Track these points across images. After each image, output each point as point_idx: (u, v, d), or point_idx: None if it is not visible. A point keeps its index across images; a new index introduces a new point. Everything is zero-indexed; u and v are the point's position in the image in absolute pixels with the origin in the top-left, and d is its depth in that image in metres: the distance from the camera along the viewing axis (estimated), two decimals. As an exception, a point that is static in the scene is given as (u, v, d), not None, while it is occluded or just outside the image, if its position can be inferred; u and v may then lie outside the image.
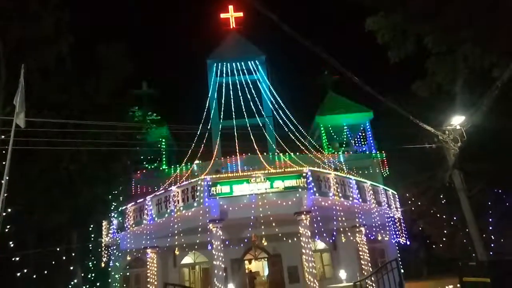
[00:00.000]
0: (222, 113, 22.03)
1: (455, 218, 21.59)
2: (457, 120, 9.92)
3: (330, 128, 23.13)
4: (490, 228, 20.33)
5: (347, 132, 22.98)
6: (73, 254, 17.08)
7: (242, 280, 20.00)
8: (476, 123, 10.34)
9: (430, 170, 20.51)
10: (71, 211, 16.13)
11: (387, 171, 21.76)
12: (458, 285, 10.04)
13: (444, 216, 23.20)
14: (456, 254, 21.81)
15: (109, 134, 14.94)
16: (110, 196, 18.66)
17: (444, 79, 9.94)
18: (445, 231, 23.60)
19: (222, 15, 27.51)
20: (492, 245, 19.06)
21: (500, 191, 21.40)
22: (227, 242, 15.63)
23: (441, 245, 24.35)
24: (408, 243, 19.59)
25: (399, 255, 19.31)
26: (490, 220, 20.45)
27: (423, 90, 10.66)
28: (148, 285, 16.90)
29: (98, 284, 17.97)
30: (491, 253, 18.20)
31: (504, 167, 19.27)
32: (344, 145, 22.70)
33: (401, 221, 19.44)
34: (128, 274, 19.49)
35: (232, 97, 22.62)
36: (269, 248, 19.95)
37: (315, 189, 14.23)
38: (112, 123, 14.37)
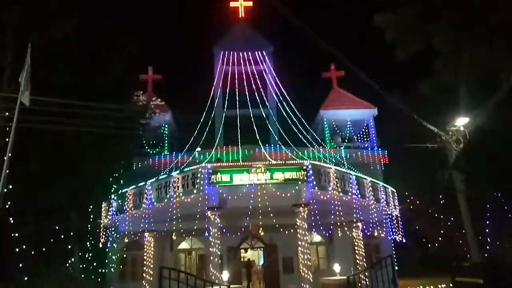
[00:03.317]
0: (226, 102, 22.00)
1: (452, 219, 21.65)
2: (461, 121, 9.89)
3: (334, 123, 23.10)
4: (487, 230, 20.38)
5: (351, 128, 22.94)
6: (72, 234, 17.27)
7: (237, 268, 20.23)
8: (479, 125, 10.31)
9: (431, 170, 20.51)
10: (71, 191, 16.27)
11: (388, 168, 21.77)
12: (451, 285, 10.11)
13: (441, 217, 23.25)
14: (451, 254, 21.92)
15: (112, 117, 14.94)
16: (111, 179, 18.79)
17: (450, 80, 9.89)
18: (441, 231, 23.69)
19: (232, 4, 27.33)
20: (488, 247, 19.12)
21: (499, 194, 21.39)
22: (224, 230, 15.78)
23: (436, 245, 24.47)
24: (404, 241, 19.70)
25: (394, 252, 19.45)
26: (488, 222, 20.49)
27: (428, 89, 10.60)
28: (144, 268, 17.12)
29: (95, 264, 18.20)
30: (486, 255, 18.28)
31: (505, 170, 19.26)
32: (346, 141, 22.68)
33: (399, 219, 19.52)
34: (125, 255, 19.73)
35: (237, 86, 22.60)
36: (266, 238, 20.12)
37: (314, 182, 14.30)
38: (116, 106, 14.38)
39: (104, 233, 18.91)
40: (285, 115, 20.95)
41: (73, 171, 16.13)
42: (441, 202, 22.27)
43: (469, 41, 9.11)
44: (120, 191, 17.44)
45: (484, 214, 20.51)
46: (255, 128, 19.33)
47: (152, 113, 19.94)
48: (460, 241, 21.26)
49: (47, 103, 11.66)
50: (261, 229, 18.27)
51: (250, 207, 14.25)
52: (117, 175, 18.96)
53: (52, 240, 16.16)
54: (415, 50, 10.37)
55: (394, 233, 19.01)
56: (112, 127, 15.13)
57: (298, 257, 14.83)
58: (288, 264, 19.62)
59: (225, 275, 8.80)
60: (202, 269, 19.10)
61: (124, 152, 19.04)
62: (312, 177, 14.30)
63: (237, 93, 22.12)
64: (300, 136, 19.70)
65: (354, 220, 17.35)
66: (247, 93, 22.03)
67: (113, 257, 19.03)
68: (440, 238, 24.07)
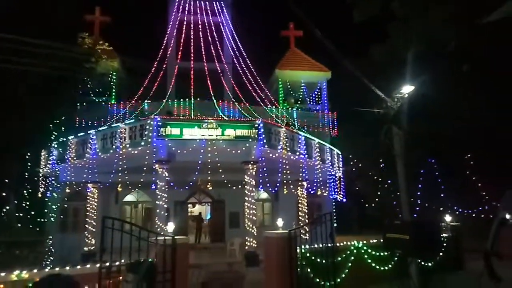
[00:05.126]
0: (180, 52, 21.04)
1: (389, 181, 23.26)
2: (407, 89, 10.33)
3: (288, 83, 23.18)
4: (418, 193, 22.22)
5: (304, 89, 23.19)
6: (6, 180, 16.26)
7: (184, 221, 20.48)
8: (422, 93, 10.87)
9: (375, 135, 21.57)
10: (7, 135, 15.08)
11: (336, 131, 22.56)
12: (381, 240, 10.97)
13: (380, 179, 24.90)
14: (385, 214, 23.77)
15: (55, 57, 13.67)
16: (51, 125, 17.64)
17: (401, 46, 10.17)
18: (378, 193, 25.46)
19: None
20: (417, 208, 20.93)
21: (433, 160, 23.24)
22: (172, 184, 15.69)
23: (373, 205, 26.34)
24: (344, 200, 20.95)
25: (334, 210, 20.68)
26: (420, 186, 22.31)
27: (380, 54, 10.84)
28: (87, 219, 16.74)
29: (33, 213, 17.45)
30: (414, 215, 20.06)
31: (440, 138, 20.86)
32: (299, 102, 22.97)
33: (341, 179, 20.61)
34: (66, 206, 19.13)
35: (192, 37, 21.61)
36: (214, 194, 20.41)
37: (265, 140, 14.47)
38: (57, 45, 13.13)
39: (44, 182, 18.04)
40: (240, 71, 20.56)
41: (9, 113, 14.86)
42: (381, 166, 23.73)
43: (423, 8, 9.32)
44: (62, 139, 16.48)
45: (418, 178, 22.28)
46: (209, 82, 18.82)
47: (98, 57, 18.58)
48: (395, 202, 23.06)
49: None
50: (209, 184, 18.44)
51: (200, 162, 14.20)
52: (58, 121, 17.81)
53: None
54: (371, 12, 10.43)
55: (336, 193, 20.10)
56: (54, 68, 13.92)
57: (244, 212, 15.25)
58: (234, 219, 20.21)
59: (170, 227, 8.82)
60: (148, 222, 19.10)
61: (67, 98, 17.80)
62: (263, 136, 14.44)
63: (192, 44, 21.17)
64: (254, 94, 19.58)
65: (300, 179, 18.05)
66: (202, 45, 21.16)
67: (53, 207, 18.35)
68: (377, 199, 25.91)
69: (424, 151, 21.11)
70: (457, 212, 22.36)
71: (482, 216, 22.79)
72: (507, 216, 3.55)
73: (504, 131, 18.48)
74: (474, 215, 23.55)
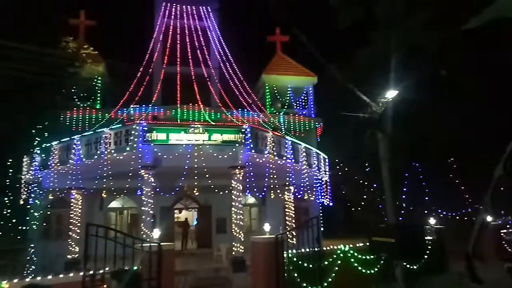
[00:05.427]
0: (166, 57, 20.94)
1: (375, 185, 23.53)
2: (391, 94, 10.51)
3: (275, 88, 23.29)
4: (404, 197, 22.54)
5: (290, 94, 23.34)
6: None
7: (171, 227, 20.27)
8: (405, 98, 11.08)
9: (361, 139, 21.85)
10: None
11: (322, 136, 22.74)
12: (367, 244, 11.06)
13: (366, 183, 25.18)
14: (370, 217, 24.01)
15: (37, 61, 13.41)
16: (34, 131, 17.27)
17: (385, 51, 10.35)
18: (364, 197, 25.73)
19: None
20: (402, 211, 21.22)
21: (417, 164, 23.63)
22: (158, 190, 15.53)
23: (359, 209, 26.60)
24: (331, 204, 21.09)
25: (321, 214, 20.78)
26: (404, 189, 22.64)
27: (364, 59, 11.01)
28: (71, 226, 16.41)
29: (14, 221, 17.00)
30: (400, 219, 20.33)
31: (423, 143, 21.24)
32: (286, 107, 23.10)
33: (328, 183, 20.74)
34: (49, 213, 18.73)
35: (178, 42, 21.55)
36: (201, 199, 20.29)
37: (252, 145, 14.47)
38: (35, 49, 12.87)
39: (26, 189, 17.62)
40: (227, 76, 20.57)
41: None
42: (367, 169, 24.01)
43: (405, 13, 9.53)
44: (45, 144, 16.16)
45: (402, 182, 22.61)
46: (195, 87, 18.77)
47: (82, 62, 18.33)
48: (380, 206, 23.33)
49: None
50: (196, 189, 18.33)
51: (186, 167, 14.10)
52: (41, 127, 17.45)
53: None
54: (356, 18, 10.59)
55: (323, 197, 20.22)
56: (37, 73, 13.66)
57: (231, 218, 15.19)
58: (221, 224, 20.11)
59: (156, 233, 8.73)
60: (133, 229, 18.84)
61: (49, 103, 17.46)
62: (250, 140, 14.43)
63: (178, 49, 21.10)
64: (241, 99, 19.61)
65: (287, 183, 18.09)
66: (189, 50, 21.12)
67: (36, 214, 17.92)
68: (363, 203, 26.16)
69: (409, 155, 21.46)
70: (441, 215, 22.76)
71: (466, 218, 23.24)
72: (488, 219, 3.63)
73: (483, 135, 18.96)
74: (457, 217, 24.01)
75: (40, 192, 17.28)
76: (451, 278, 12.91)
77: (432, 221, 16.22)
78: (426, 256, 12.78)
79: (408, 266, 12.10)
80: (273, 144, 15.45)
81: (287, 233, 11.43)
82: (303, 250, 9.79)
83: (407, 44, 10.12)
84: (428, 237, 14.82)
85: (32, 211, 17.92)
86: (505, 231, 20.64)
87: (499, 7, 1.99)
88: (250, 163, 14.98)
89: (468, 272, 3.16)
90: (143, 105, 18.81)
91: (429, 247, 13.88)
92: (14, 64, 12.37)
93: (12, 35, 13.60)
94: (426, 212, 22.01)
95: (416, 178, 23.46)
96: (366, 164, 23.74)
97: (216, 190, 17.71)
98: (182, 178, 15.78)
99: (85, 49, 19.47)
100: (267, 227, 11.07)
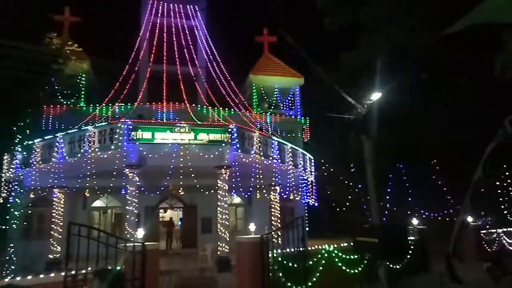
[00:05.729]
0: (152, 55, 20.73)
1: (360, 186, 23.80)
2: (376, 96, 10.65)
3: (262, 89, 23.32)
4: (388, 197, 22.86)
5: (277, 95, 23.41)
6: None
7: (155, 227, 20.09)
8: (390, 100, 11.25)
9: (346, 140, 22.07)
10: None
11: (308, 136, 22.86)
12: (352, 244, 11.16)
13: (351, 184, 25.44)
14: (355, 218, 24.27)
15: (18, 58, 13.11)
16: (15, 128, 16.88)
17: (370, 54, 10.49)
18: (349, 197, 25.99)
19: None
20: (386, 212, 21.50)
21: (401, 166, 24.00)
22: (142, 189, 15.36)
23: (344, 209, 26.85)
24: (316, 204, 21.23)
25: (306, 214, 20.91)
26: (389, 190, 22.96)
27: (350, 61, 11.13)
28: (53, 225, 16.10)
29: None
30: (384, 219, 20.62)
31: (407, 145, 21.58)
32: (272, 107, 23.16)
33: (313, 184, 20.87)
34: (30, 212, 18.32)
35: (165, 40, 21.37)
36: (186, 199, 20.17)
37: (238, 145, 14.43)
38: (24, 45, 12.63)
39: (6, 187, 17.21)
40: (214, 75, 20.50)
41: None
42: (352, 170, 24.26)
43: (390, 16, 9.68)
44: (26, 142, 15.80)
45: (386, 183, 22.93)
46: (182, 86, 18.63)
47: (66, 58, 17.98)
48: (365, 206, 23.61)
49: None
50: (181, 189, 18.20)
51: (172, 166, 13.98)
52: (22, 124, 17.07)
53: None
54: (342, 20, 10.70)
55: (308, 197, 20.34)
56: (19, 69, 13.36)
57: (216, 217, 15.14)
58: (207, 224, 20.03)
59: (140, 233, 8.64)
60: (117, 228, 18.59)
61: (32, 100, 17.10)
62: (236, 140, 14.40)
63: (165, 47, 20.92)
64: (228, 99, 19.57)
65: (273, 183, 18.13)
66: (175, 48, 20.96)
67: (16, 213, 17.52)
68: (347, 204, 26.41)
69: (393, 157, 21.77)
70: (424, 216, 23.16)
71: (447, 219, 23.70)
72: (468, 219, 3.71)
73: (466, 137, 19.36)
74: (440, 218, 24.47)
75: (21, 190, 16.91)
76: (432, 278, 13.16)
77: (415, 221, 16.50)
78: (409, 256, 13.00)
79: (391, 266, 12.28)
80: (260, 144, 15.45)
81: (273, 233, 11.45)
82: (288, 250, 9.83)
83: (392, 48, 10.27)
84: (411, 238, 15.06)
85: (12, 209, 17.52)
86: (485, 231, 21.18)
87: (478, 13, 2.04)
88: (236, 163, 14.95)
89: (448, 272, 3.22)
90: (128, 104, 18.58)
91: (412, 247, 14.11)
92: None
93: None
94: (409, 212, 22.37)
95: (400, 179, 23.82)
96: (351, 165, 23.99)
97: (201, 190, 17.61)
98: (168, 178, 15.66)
99: (69, 46, 19.10)
100: (252, 227, 11.08)
